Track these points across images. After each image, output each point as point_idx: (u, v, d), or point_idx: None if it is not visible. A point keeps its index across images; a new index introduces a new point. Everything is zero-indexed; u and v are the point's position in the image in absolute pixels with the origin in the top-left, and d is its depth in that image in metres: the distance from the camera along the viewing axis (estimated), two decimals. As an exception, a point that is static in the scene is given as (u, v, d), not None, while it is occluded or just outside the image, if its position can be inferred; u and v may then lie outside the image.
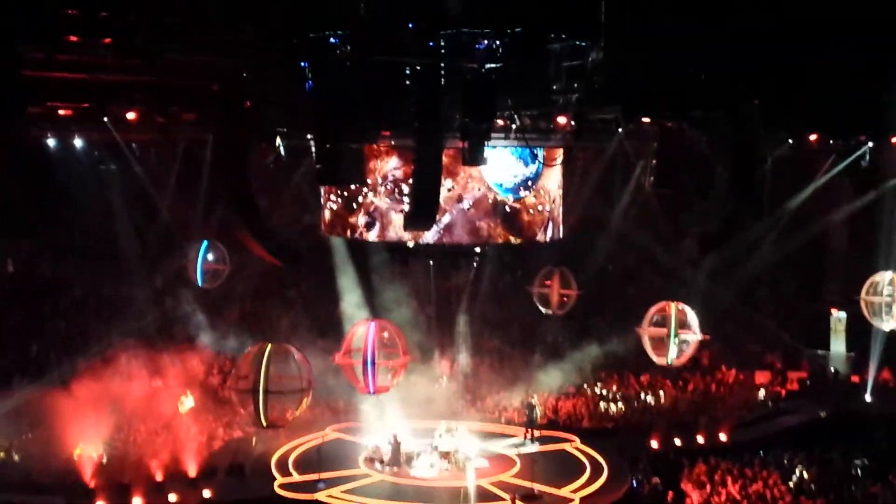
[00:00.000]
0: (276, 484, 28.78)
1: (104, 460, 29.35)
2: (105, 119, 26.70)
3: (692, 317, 29.64)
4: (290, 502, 27.94)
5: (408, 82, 24.17)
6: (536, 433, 33.40)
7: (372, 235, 30.29)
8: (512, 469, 30.29)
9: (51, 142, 28.87)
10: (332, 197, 30.79)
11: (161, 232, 38.02)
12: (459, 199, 29.69)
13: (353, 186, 29.38)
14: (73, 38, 22.00)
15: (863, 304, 32.92)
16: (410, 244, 30.57)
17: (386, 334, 27.42)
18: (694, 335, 29.60)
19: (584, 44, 25.23)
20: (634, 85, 25.59)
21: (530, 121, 27.96)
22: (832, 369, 41.47)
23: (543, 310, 36.62)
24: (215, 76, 24.16)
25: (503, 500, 27.47)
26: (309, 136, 27.35)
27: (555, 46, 25.21)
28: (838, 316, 43.25)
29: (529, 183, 30.56)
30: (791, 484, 28.69)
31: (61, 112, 25.90)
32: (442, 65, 23.68)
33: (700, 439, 33.26)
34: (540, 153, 30.19)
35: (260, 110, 25.88)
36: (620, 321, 37.29)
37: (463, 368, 38.80)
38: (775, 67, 25.30)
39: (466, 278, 39.81)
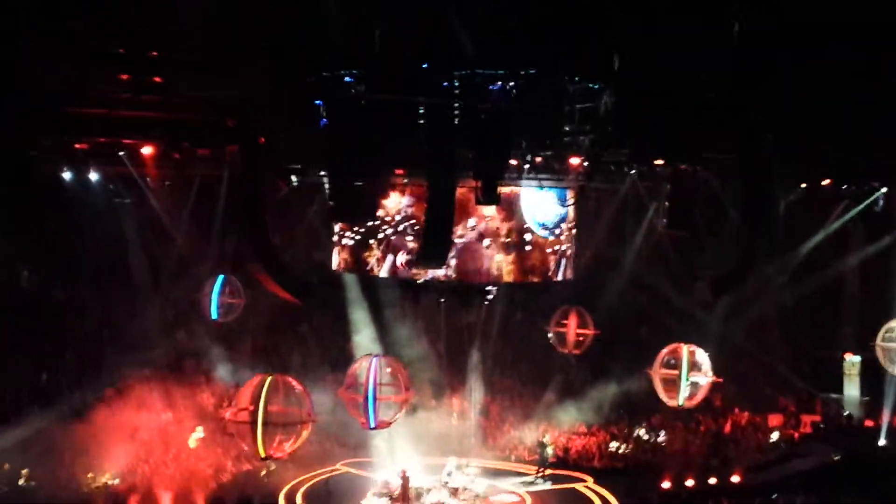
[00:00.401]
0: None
1: (113, 491, 29.32)
2: (121, 154, 26.91)
3: (704, 359, 29.56)
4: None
5: (421, 121, 24.33)
6: (548, 472, 33.26)
7: (384, 272, 30.33)
8: (521, 507, 30.22)
9: (66, 175, 29.10)
10: (345, 233, 30.89)
11: (174, 264, 38.12)
12: (480, 238, 29.73)
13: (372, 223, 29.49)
14: (91, 74, 22.23)
15: (878, 350, 32.79)
16: (421, 280, 30.60)
17: (388, 370, 27.41)
18: (705, 377, 29.51)
19: (597, 86, 25.36)
20: (647, 127, 25.65)
21: (544, 161, 28.03)
22: (846, 413, 41.22)
23: (560, 349, 36.54)
24: (230, 112, 24.30)
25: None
26: (322, 173, 27.51)
27: (568, 88, 25.34)
28: (852, 360, 42.99)
29: (562, 223, 30.69)
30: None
31: (77, 146, 26.11)
32: (456, 104, 23.82)
33: (712, 481, 33.04)
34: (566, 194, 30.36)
35: (274, 147, 26.01)
36: (632, 361, 37.20)
37: (474, 406, 38.70)
38: (790, 111, 25.35)
39: (478, 316, 39.75)
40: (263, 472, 31.96)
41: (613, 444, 36.53)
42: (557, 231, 30.67)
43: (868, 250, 37.54)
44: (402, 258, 29.83)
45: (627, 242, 37.09)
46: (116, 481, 29.80)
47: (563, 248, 31.46)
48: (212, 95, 23.85)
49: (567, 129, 26.27)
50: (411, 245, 29.60)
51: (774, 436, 38.02)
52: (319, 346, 40.50)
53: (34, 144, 23.89)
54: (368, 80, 23.81)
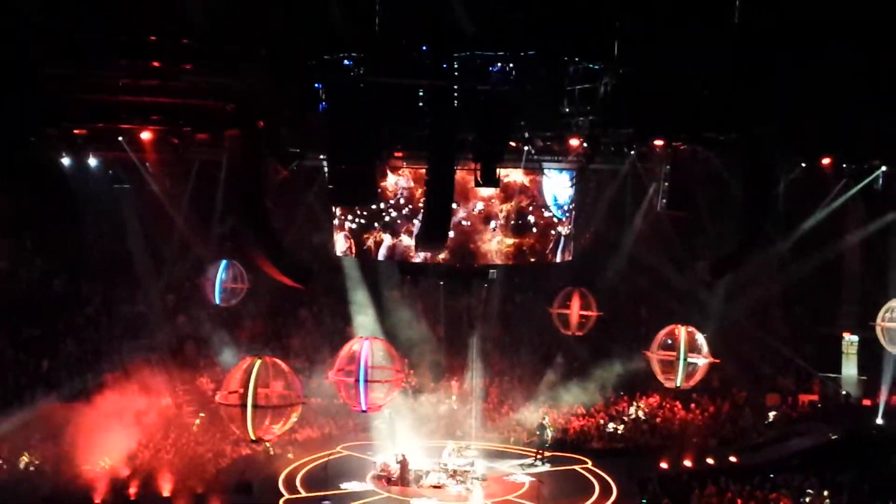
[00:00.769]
0: (281, 501, 28.83)
1: (111, 475, 29.41)
2: (120, 139, 26.85)
3: (701, 340, 29.64)
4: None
5: (421, 104, 24.26)
6: (547, 454, 33.37)
7: (383, 255, 30.28)
8: (520, 489, 30.27)
9: (65, 160, 29.04)
10: (345, 216, 30.83)
11: (174, 250, 38.14)
12: (486, 219, 29.70)
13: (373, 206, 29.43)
14: (90, 59, 22.13)
15: (879, 330, 32.89)
16: (417, 259, 30.54)
17: (380, 352, 27.47)
18: (703, 358, 29.60)
19: (597, 67, 25.31)
20: (647, 107, 25.62)
21: (543, 143, 27.96)
22: (844, 392, 41.38)
23: (563, 331, 36.60)
24: (230, 97, 24.22)
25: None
26: (322, 157, 27.45)
27: (568, 69, 25.27)
28: (850, 339, 43.16)
29: (571, 204, 30.76)
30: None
31: (77, 132, 26.02)
32: (455, 87, 23.75)
33: (710, 461, 33.18)
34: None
35: (274, 131, 25.94)
36: (632, 342, 37.35)
37: (473, 388, 38.79)
38: (790, 89, 25.34)
39: (478, 298, 39.79)
40: (273, 452, 32.17)
41: (611, 426, 36.65)
42: (568, 212, 30.73)
43: (868, 229, 37.62)
44: (400, 240, 29.79)
45: (627, 223, 37.10)
46: (116, 465, 29.82)
47: (563, 229, 31.43)
48: (211, 80, 23.76)
49: (567, 110, 26.18)
50: (409, 227, 29.56)
51: (771, 415, 38.16)
52: (320, 330, 40.62)
53: (34, 131, 23.77)
54: (368, 63, 23.74)
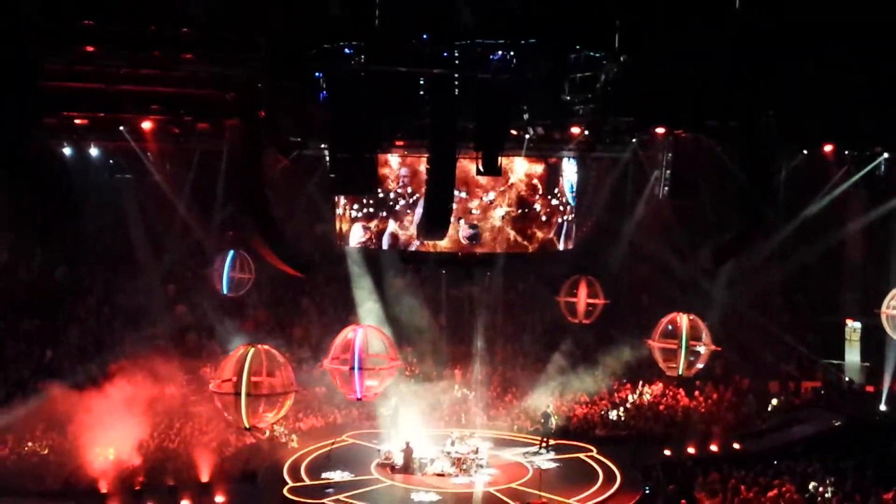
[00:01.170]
0: (285, 489, 28.89)
1: (116, 465, 29.47)
2: (121, 129, 26.84)
3: (703, 328, 29.64)
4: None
5: (422, 93, 24.23)
6: (551, 442, 33.39)
7: (386, 243, 30.28)
8: (523, 477, 30.29)
9: (66, 150, 29.02)
10: (347, 205, 30.84)
11: (176, 240, 38.16)
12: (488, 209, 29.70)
13: (376, 194, 29.45)
14: (90, 49, 22.12)
15: (883, 317, 32.87)
16: (415, 246, 30.52)
17: (375, 340, 27.50)
18: (705, 346, 29.58)
19: (598, 55, 25.26)
20: (649, 95, 25.59)
21: (544, 131, 27.94)
22: (847, 379, 41.36)
23: (570, 319, 36.56)
24: (230, 86, 24.22)
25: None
26: (323, 146, 27.43)
27: (569, 57, 25.24)
28: (853, 326, 43.14)
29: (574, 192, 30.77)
30: (806, 494, 28.61)
31: (77, 122, 26.03)
32: (456, 75, 23.73)
33: (714, 448, 33.18)
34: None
35: (274, 120, 25.92)
36: (634, 330, 37.34)
37: (476, 377, 38.79)
38: (791, 77, 25.30)
39: (480, 287, 39.80)
40: (285, 440, 32.42)
41: (614, 413, 36.66)
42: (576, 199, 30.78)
43: (871, 216, 37.55)
44: (400, 228, 29.80)
45: (629, 211, 37.05)
46: (117, 455, 29.87)
47: (565, 217, 31.43)
48: (211, 69, 23.76)
49: (568, 98, 26.15)
50: (409, 216, 29.57)
51: (775, 402, 38.16)
52: (322, 319, 40.63)
53: (34, 121, 23.76)
54: (368, 51, 23.72)
